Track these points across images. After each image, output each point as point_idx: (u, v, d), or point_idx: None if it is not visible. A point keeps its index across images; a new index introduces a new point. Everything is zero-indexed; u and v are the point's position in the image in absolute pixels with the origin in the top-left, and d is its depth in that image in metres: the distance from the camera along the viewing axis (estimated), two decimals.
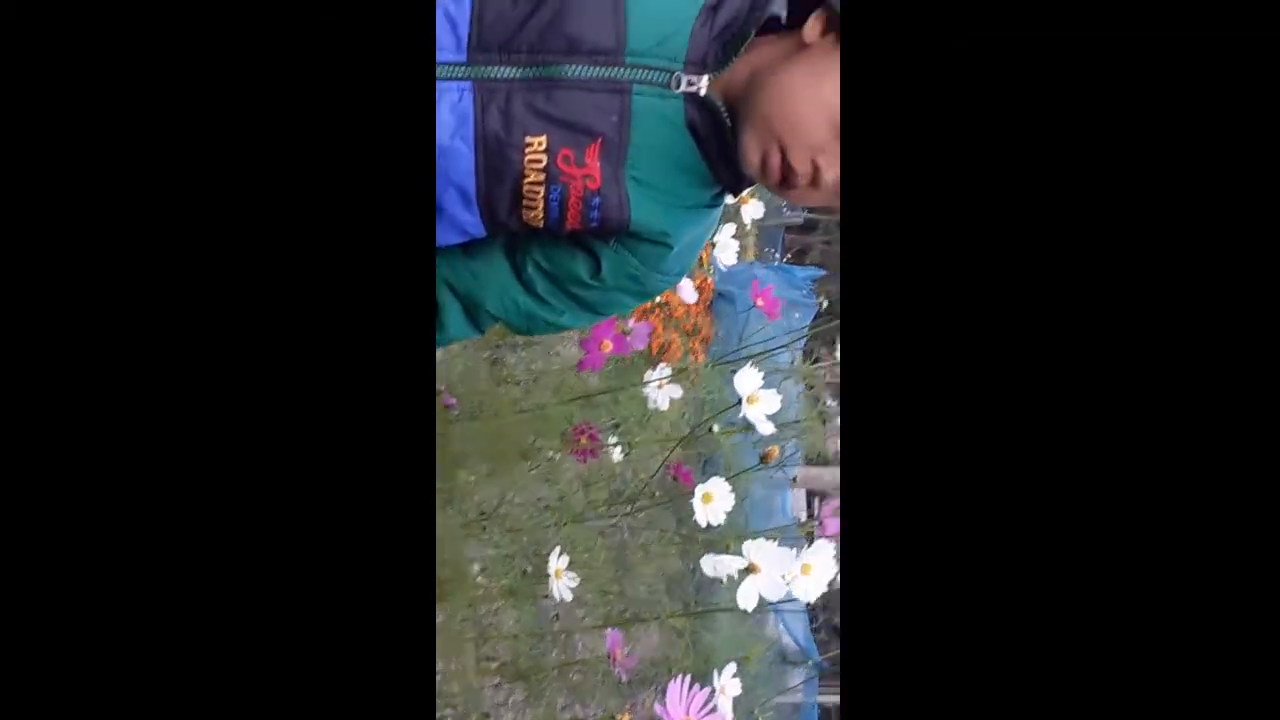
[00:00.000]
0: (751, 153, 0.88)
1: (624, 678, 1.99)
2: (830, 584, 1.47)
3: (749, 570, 1.40)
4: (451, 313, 1.00)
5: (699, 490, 1.62)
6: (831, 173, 0.85)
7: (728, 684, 1.69)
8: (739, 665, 1.78)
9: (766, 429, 1.61)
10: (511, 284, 0.98)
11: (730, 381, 1.66)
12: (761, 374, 1.62)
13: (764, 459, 1.74)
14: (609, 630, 1.96)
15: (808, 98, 0.86)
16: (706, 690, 1.41)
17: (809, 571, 1.43)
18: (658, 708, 1.36)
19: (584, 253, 0.96)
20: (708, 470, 2.33)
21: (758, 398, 1.60)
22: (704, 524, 1.62)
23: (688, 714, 1.34)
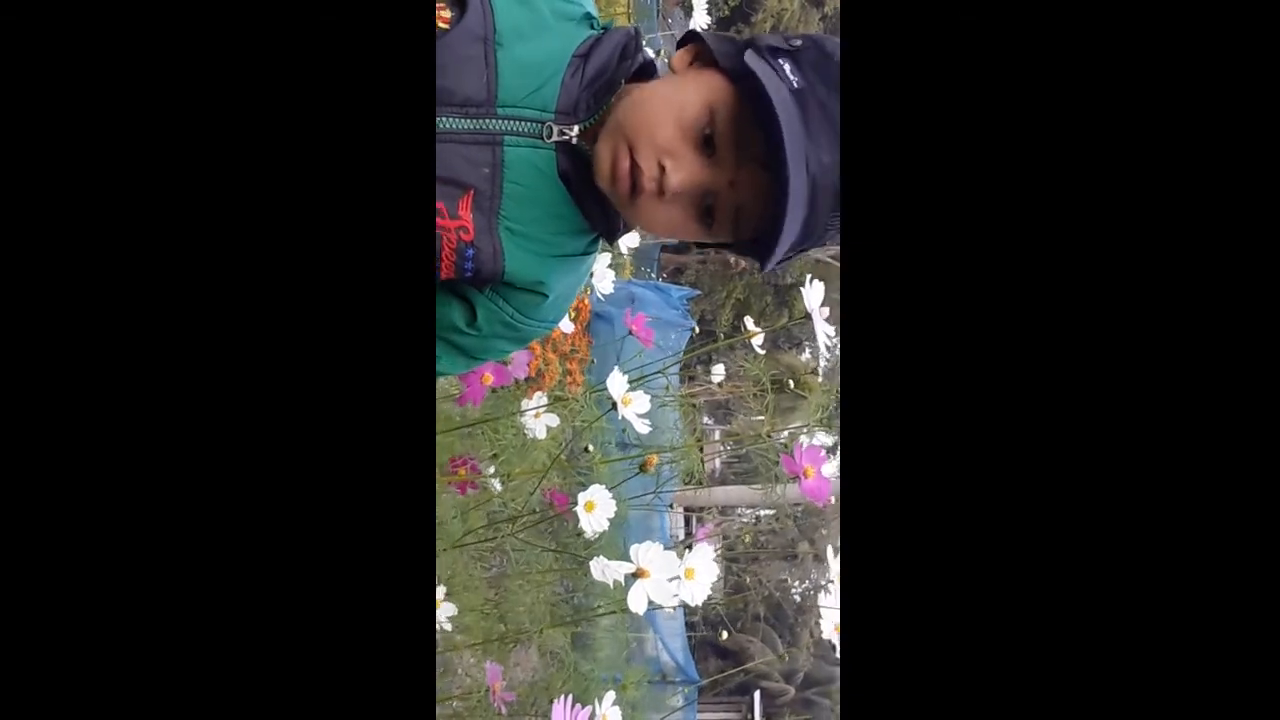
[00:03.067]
0: (603, 160, 0.88)
1: (503, 710, 1.98)
2: (713, 586, 1.51)
3: (637, 575, 1.42)
4: None
5: (581, 499, 1.64)
6: (677, 177, 0.84)
7: (609, 711, 1.71)
8: (618, 691, 1.80)
9: (642, 428, 1.64)
10: None
11: (606, 411, 1.68)
12: (626, 378, 1.66)
13: (642, 468, 1.76)
14: (488, 663, 1.95)
15: (660, 102, 0.87)
16: (588, 710, 1.43)
17: (692, 575, 1.46)
18: None
19: (459, 301, 0.96)
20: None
21: (629, 399, 1.63)
22: (589, 531, 1.64)
23: None
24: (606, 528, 1.62)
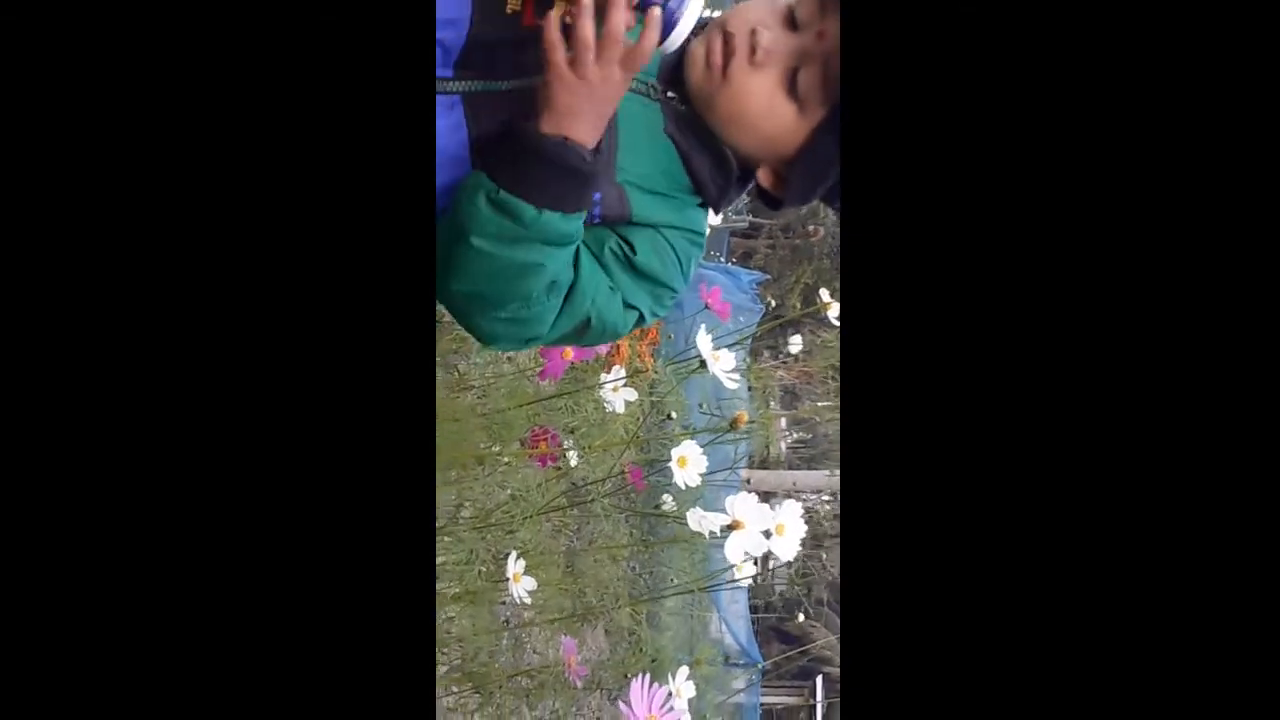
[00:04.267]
0: (697, 50, 0.92)
1: (577, 684, 2.00)
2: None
3: (732, 527, 1.44)
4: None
5: (674, 454, 1.66)
6: (768, 35, 0.89)
7: (682, 686, 1.73)
8: (691, 668, 1.81)
9: (732, 384, 1.67)
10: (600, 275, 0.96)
11: (685, 383, 1.69)
12: (710, 339, 1.68)
13: (733, 424, 1.78)
14: (564, 637, 1.97)
15: (756, 2, 0.93)
16: (665, 689, 1.45)
17: (783, 531, 1.47)
18: (621, 706, 1.38)
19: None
20: (660, 474, 2.35)
21: (718, 355, 1.66)
22: (682, 485, 1.66)
23: (650, 711, 1.38)
24: (698, 483, 1.62)
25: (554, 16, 0.82)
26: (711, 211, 1.00)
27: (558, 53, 0.81)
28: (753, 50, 0.89)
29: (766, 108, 0.91)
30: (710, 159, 0.95)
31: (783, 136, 0.93)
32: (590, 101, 0.83)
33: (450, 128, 0.87)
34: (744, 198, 1.07)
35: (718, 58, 0.91)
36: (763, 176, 0.98)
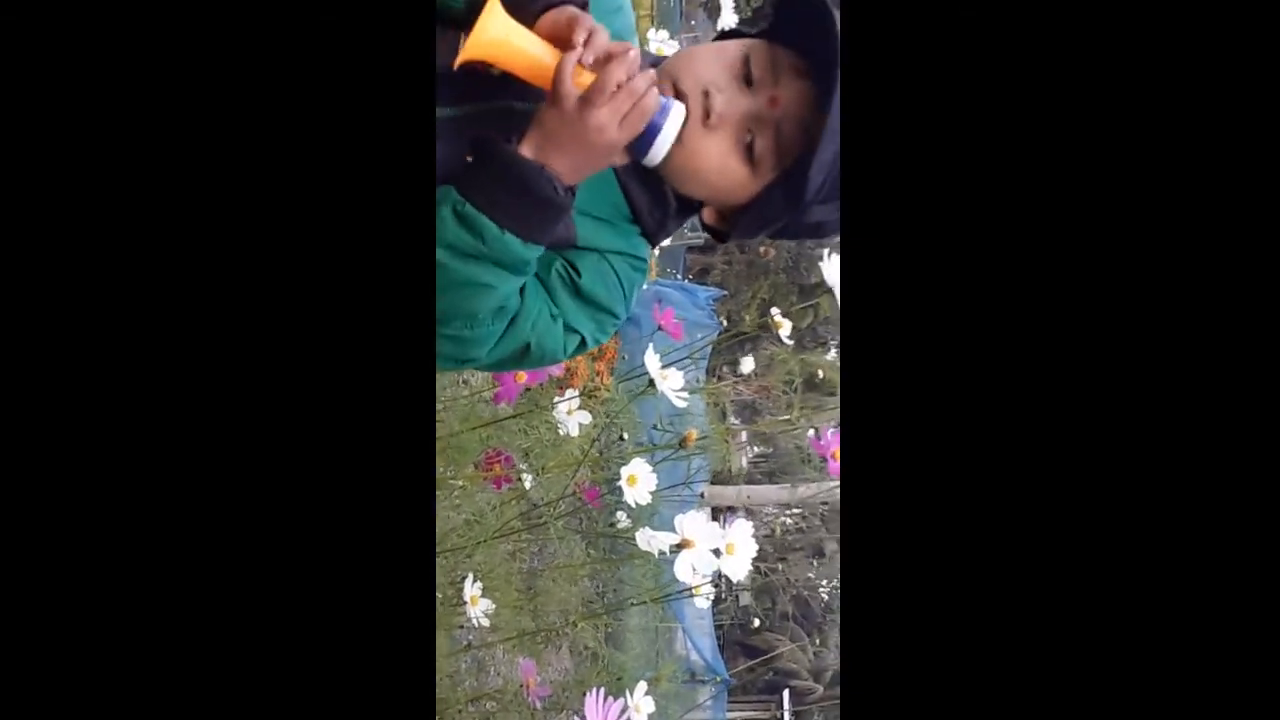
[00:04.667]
0: None
1: (538, 705, 2.00)
2: (752, 562, 1.53)
3: (682, 545, 1.45)
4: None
5: (624, 473, 1.68)
6: (721, 98, 0.88)
7: (641, 702, 1.73)
8: (650, 684, 1.82)
9: (680, 403, 1.69)
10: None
11: (638, 403, 1.70)
12: (659, 358, 1.70)
13: (682, 443, 1.79)
14: (521, 659, 1.97)
15: (700, 51, 0.92)
16: (620, 703, 1.45)
17: (733, 550, 1.48)
18: None
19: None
20: (615, 492, 2.36)
21: (666, 374, 1.68)
22: (633, 504, 1.67)
23: None
24: (649, 500, 1.64)
25: (573, 55, 0.82)
26: (649, 242, 1.01)
27: (567, 85, 0.82)
28: (706, 114, 0.88)
29: (718, 167, 0.91)
30: (649, 195, 0.96)
31: (734, 191, 0.94)
32: (578, 141, 0.83)
33: None
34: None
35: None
36: (707, 215, 0.99)
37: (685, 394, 1.69)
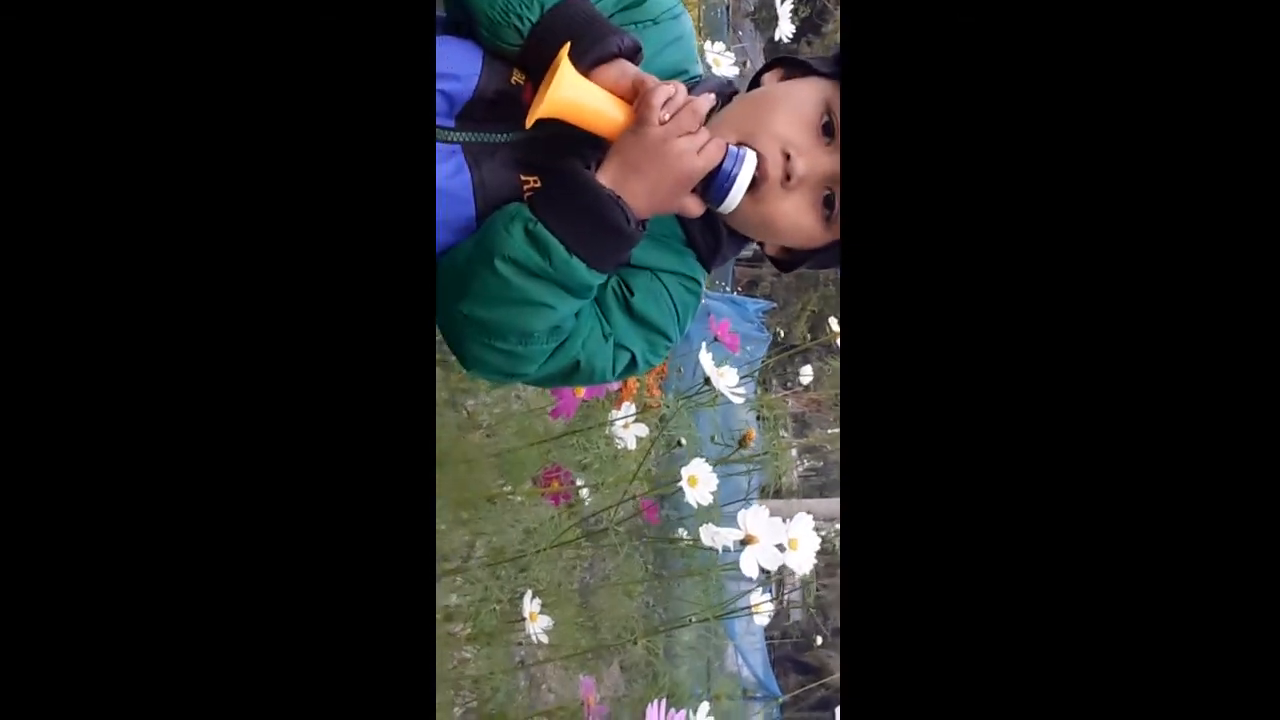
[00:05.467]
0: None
1: None
2: (816, 555, 1.53)
3: (746, 541, 1.45)
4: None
5: (684, 474, 1.67)
6: (803, 161, 0.87)
7: None
8: (711, 703, 1.80)
9: (736, 399, 1.72)
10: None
11: (695, 416, 1.70)
12: (711, 356, 1.71)
13: (742, 442, 1.80)
14: (582, 676, 1.96)
15: (773, 101, 0.91)
16: (683, 713, 1.44)
17: (796, 545, 1.49)
18: None
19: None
20: (673, 508, 2.34)
21: (722, 372, 1.70)
22: (694, 505, 1.68)
23: None
24: (710, 502, 1.64)
25: (661, 88, 0.83)
26: (702, 266, 1.00)
27: (654, 113, 0.82)
28: (786, 176, 0.87)
29: (793, 224, 0.91)
30: (702, 223, 0.95)
31: (805, 242, 0.94)
32: (659, 168, 0.83)
33: (451, 171, 0.89)
34: None
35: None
36: (770, 248, 0.99)
37: (740, 391, 1.69)
